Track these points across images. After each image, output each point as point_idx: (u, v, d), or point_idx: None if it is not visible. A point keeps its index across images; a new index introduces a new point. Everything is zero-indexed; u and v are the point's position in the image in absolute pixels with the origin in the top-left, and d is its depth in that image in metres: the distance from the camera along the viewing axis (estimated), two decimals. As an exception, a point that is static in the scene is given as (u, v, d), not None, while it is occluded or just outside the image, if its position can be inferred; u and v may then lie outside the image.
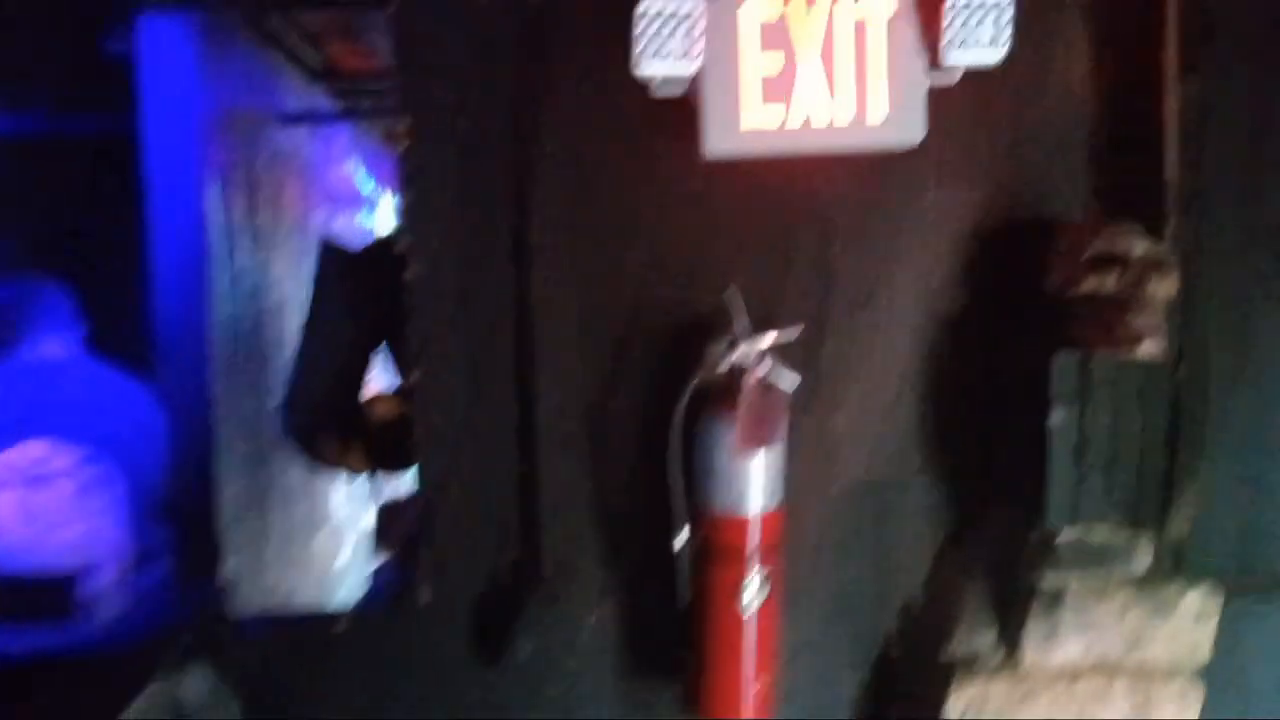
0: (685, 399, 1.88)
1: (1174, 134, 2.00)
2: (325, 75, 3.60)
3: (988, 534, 2.08)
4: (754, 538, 1.88)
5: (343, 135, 4.20)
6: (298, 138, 3.64)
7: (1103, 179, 2.06)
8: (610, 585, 2.06)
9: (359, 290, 2.26)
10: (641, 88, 1.79)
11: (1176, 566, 2.07)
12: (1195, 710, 2.03)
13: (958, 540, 2.11)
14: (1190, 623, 2.03)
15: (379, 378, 2.54)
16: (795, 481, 1.96)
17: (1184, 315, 2.04)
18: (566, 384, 2.00)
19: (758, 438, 1.84)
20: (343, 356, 2.29)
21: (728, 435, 1.85)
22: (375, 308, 2.21)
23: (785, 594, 1.96)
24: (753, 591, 1.88)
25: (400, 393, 2.35)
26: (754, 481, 1.87)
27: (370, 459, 2.34)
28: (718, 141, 1.81)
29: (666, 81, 1.79)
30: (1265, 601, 2.13)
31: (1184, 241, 2.02)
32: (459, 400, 1.97)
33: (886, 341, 2.05)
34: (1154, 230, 1.97)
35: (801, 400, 1.96)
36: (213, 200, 2.86)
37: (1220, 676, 2.04)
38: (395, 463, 2.36)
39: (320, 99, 3.71)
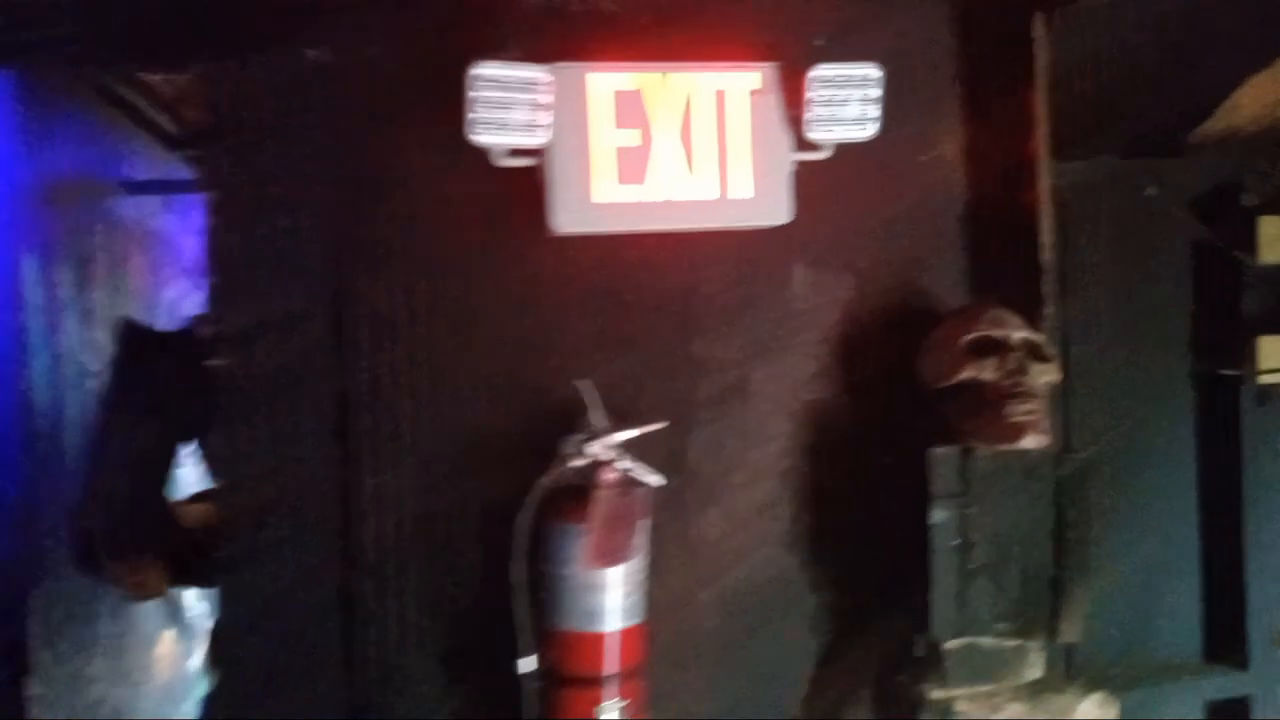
0: (533, 504, 1.69)
1: (1048, 218, 1.96)
2: (185, 142, 3.38)
3: (871, 643, 1.95)
4: (611, 658, 1.68)
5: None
6: (149, 207, 3.38)
7: (978, 263, 2.00)
8: (448, 720, 1.82)
9: (162, 377, 2.02)
10: (484, 157, 1.63)
11: (1068, 672, 1.97)
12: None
13: (839, 650, 1.96)
14: (1086, 735, 1.91)
15: (191, 478, 2.27)
16: (660, 591, 1.78)
17: (1064, 404, 1.97)
18: (396, 488, 1.79)
19: (611, 553, 1.65)
20: (142, 453, 2.04)
21: (579, 545, 1.66)
22: (182, 398, 1.96)
23: (650, 715, 1.76)
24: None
25: (214, 496, 2.09)
26: (610, 595, 1.68)
27: (174, 575, 2.07)
28: (567, 217, 1.68)
29: (510, 152, 1.65)
30: (1153, 696, 2.10)
31: (1061, 327, 1.97)
32: (272, 508, 1.74)
33: (757, 436, 1.92)
34: (1031, 315, 1.91)
35: (666, 501, 1.80)
36: (30, 276, 2.58)
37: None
38: (208, 578, 2.09)
39: (179, 167, 3.47)
